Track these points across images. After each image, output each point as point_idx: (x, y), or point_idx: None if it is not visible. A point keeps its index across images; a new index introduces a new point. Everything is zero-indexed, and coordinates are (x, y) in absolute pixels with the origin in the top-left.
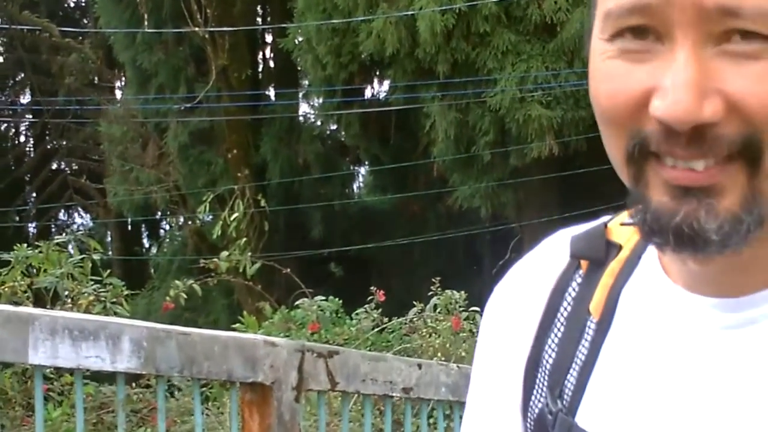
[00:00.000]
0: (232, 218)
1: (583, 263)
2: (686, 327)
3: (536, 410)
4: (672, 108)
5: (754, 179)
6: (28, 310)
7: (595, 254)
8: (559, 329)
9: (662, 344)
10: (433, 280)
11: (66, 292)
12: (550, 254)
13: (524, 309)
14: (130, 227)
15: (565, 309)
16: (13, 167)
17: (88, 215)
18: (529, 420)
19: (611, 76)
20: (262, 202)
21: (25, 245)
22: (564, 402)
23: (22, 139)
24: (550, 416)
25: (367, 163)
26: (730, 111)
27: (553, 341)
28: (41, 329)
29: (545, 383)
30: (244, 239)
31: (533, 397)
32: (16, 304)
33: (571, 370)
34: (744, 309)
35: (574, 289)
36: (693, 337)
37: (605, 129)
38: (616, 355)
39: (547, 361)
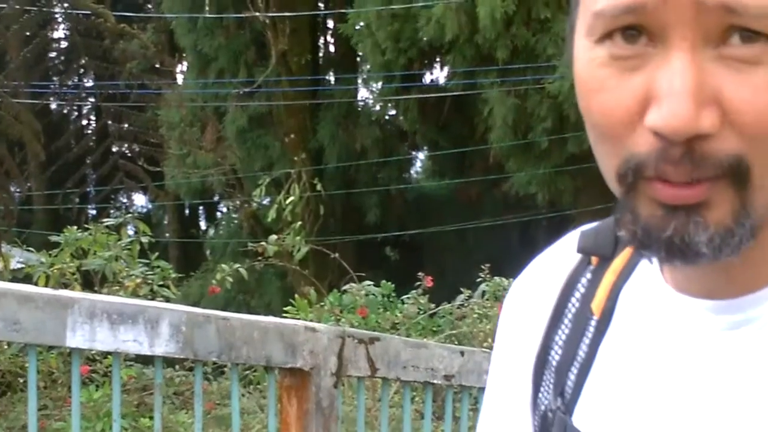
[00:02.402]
0: (287, 202)
1: (594, 259)
2: (675, 328)
3: (542, 407)
4: (669, 118)
5: (743, 193)
6: (68, 293)
7: (602, 250)
8: (566, 326)
9: (653, 346)
10: (482, 266)
11: (114, 275)
12: (566, 250)
13: (536, 305)
14: (187, 210)
15: (573, 306)
16: (74, 150)
17: (147, 198)
18: (536, 417)
19: (603, 86)
20: (318, 186)
21: (75, 227)
22: (564, 400)
23: (84, 122)
24: (551, 414)
25: (425, 148)
26: (725, 123)
27: (560, 338)
28: (80, 312)
29: (551, 381)
30: (299, 223)
31: (540, 394)
32: (65, 286)
33: (572, 369)
34: (733, 312)
35: (583, 286)
36: (681, 338)
37: (597, 144)
38: (612, 355)
39: (553, 358)
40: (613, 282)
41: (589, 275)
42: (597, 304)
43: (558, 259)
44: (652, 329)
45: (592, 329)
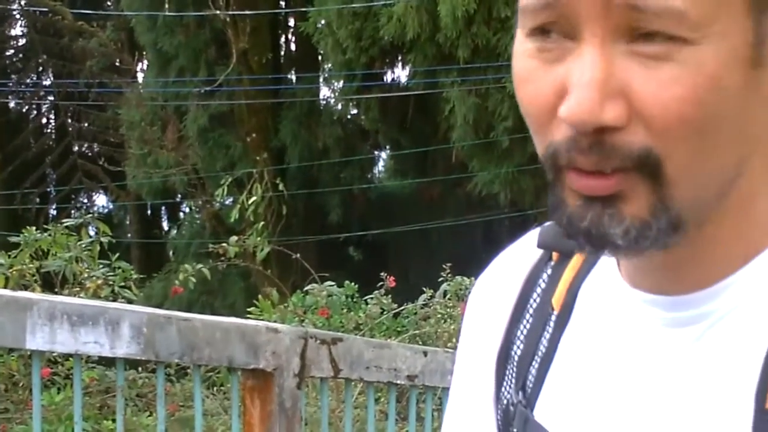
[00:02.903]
0: (250, 202)
1: (555, 255)
2: (626, 324)
3: (504, 401)
4: (575, 108)
5: (659, 187)
6: (27, 294)
7: (561, 245)
8: (528, 321)
9: (606, 341)
10: (444, 266)
11: (74, 276)
12: (528, 246)
13: (499, 300)
14: (149, 211)
15: (535, 301)
16: (33, 150)
17: (107, 198)
18: (499, 411)
19: (530, 77)
20: (281, 186)
21: (35, 228)
22: (525, 394)
23: (43, 121)
24: (512, 408)
25: (387, 147)
26: (634, 117)
27: (522, 333)
28: (39, 314)
29: (513, 375)
30: (262, 223)
31: (503, 389)
32: (25, 287)
33: (534, 363)
34: (682, 308)
35: (544, 281)
36: (631, 334)
37: (531, 132)
38: (570, 349)
39: (515, 353)
40: (573, 277)
41: (549, 271)
42: (557, 299)
43: (520, 255)
44: (606, 324)
45: (552, 324)
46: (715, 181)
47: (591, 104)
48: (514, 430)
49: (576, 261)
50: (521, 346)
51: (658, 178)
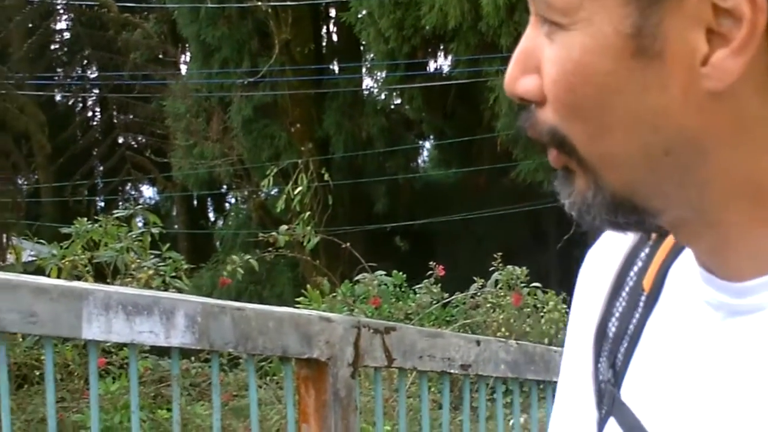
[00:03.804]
0: (295, 192)
1: (653, 234)
2: (696, 308)
3: (599, 378)
4: (504, 79)
5: (584, 166)
6: (83, 284)
7: None
8: (624, 299)
9: (681, 325)
10: (495, 255)
11: (125, 266)
12: None
13: (601, 276)
14: (195, 201)
15: (631, 279)
16: (81, 143)
17: (154, 189)
18: (595, 387)
19: None
20: (326, 176)
21: (86, 219)
22: (614, 373)
23: (89, 114)
24: (603, 386)
25: (431, 137)
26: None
27: (617, 310)
28: (95, 304)
29: (607, 353)
30: (308, 213)
31: (600, 365)
32: (77, 278)
33: (623, 342)
34: (736, 295)
35: (641, 260)
36: (697, 319)
37: None
38: (654, 332)
39: (610, 330)
40: (663, 258)
41: (647, 250)
42: (647, 280)
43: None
44: (684, 308)
45: (641, 305)
46: (634, 165)
47: (509, 77)
48: (605, 407)
49: (669, 241)
50: (616, 324)
51: (575, 156)
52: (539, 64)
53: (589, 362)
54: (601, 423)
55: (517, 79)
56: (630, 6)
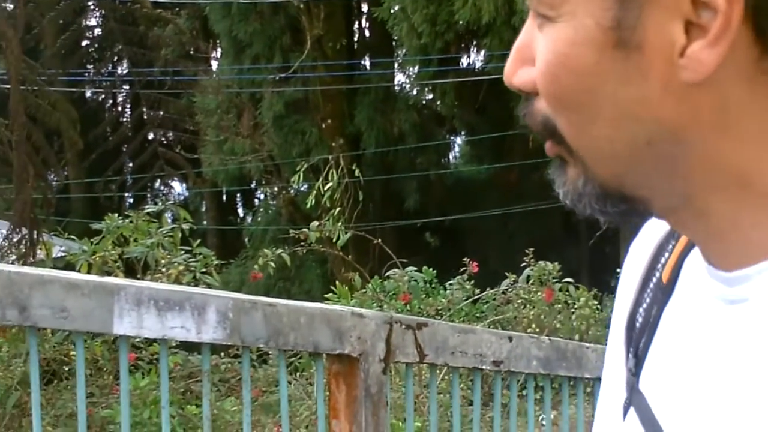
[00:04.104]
0: (326, 188)
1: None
2: (701, 298)
3: (627, 367)
4: (504, 70)
5: (575, 156)
6: (114, 280)
7: None
8: (650, 290)
9: (689, 316)
10: (526, 251)
11: (156, 262)
12: None
13: (636, 268)
14: (225, 197)
15: (657, 270)
16: (110, 138)
17: (184, 185)
18: (625, 377)
19: None
20: (357, 172)
21: (116, 215)
22: (636, 363)
23: (120, 110)
24: (627, 375)
25: (462, 132)
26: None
27: (645, 302)
28: (126, 299)
29: (633, 343)
30: (338, 209)
31: (628, 355)
32: (108, 273)
33: (645, 332)
34: (730, 283)
35: (668, 252)
36: (701, 309)
37: None
38: (669, 321)
39: (637, 321)
40: (681, 249)
41: (674, 242)
42: (666, 272)
43: (660, 223)
44: (692, 299)
45: (660, 296)
46: (619, 155)
47: (507, 69)
48: (627, 396)
49: None
50: (642, 314)
51: (565, 145)
52: (534, 56)
53: (622, 352)
54: (624, 412)
55: (515, 70)
56: None
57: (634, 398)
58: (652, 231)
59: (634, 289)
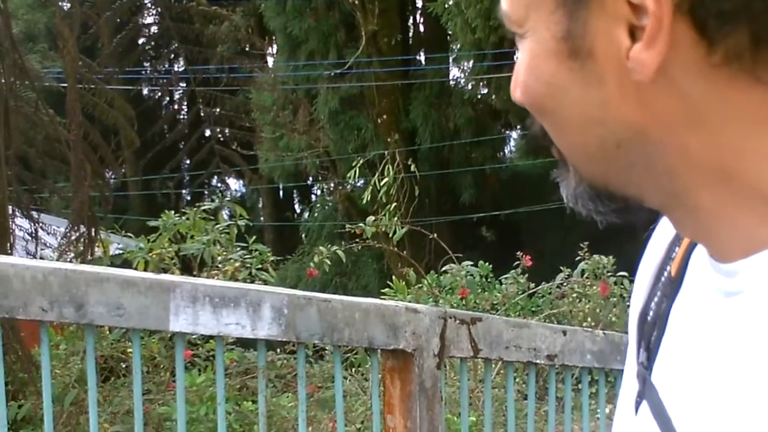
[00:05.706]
0: (382, 183)
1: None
2: (705, 291)
3: (639, 361)
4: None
5: (565, 160)
6: (170, 277)
7: None
8: (662, 284)
9: (693, 307)
10: (581, 245)
11: (212, 259)
12: None
13: (650, 262)
14: (281, 193)
15: (668, 264)
16: (167, 136)
17: (240, 182)
18: (637, 371)
19: None
20: (413, 167)
21: (173, 212)
22: (648, 356)
23: (176, 108)
24: (639, 368)
25: (518, 127)
26: None
27: (656, 296)
28: (182, 296)
29: (645, 336)
30: (394, 204)
31: (640, 349)
32: (164, 270)
33: (656, 326)
34: (730, 276)
35: (679, 246)
36: (705, 301)
37: None
38: (677, 315)
39: (649, 315)
40: (688, 244)
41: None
42: (674, 266)
43: None
44: (696, 290)
45: (669, 289)
46: (594, 157)
47: (512, 84)
48: (639, 390)
49: None
50: (654, 308)
51: (557, 149)
52: None
53: (635, 346)
54: (636, 406)
55: (515, 86)
56: (559, 12)
57: (647, 392)
58: (663, 226)
59: (647, 284)
